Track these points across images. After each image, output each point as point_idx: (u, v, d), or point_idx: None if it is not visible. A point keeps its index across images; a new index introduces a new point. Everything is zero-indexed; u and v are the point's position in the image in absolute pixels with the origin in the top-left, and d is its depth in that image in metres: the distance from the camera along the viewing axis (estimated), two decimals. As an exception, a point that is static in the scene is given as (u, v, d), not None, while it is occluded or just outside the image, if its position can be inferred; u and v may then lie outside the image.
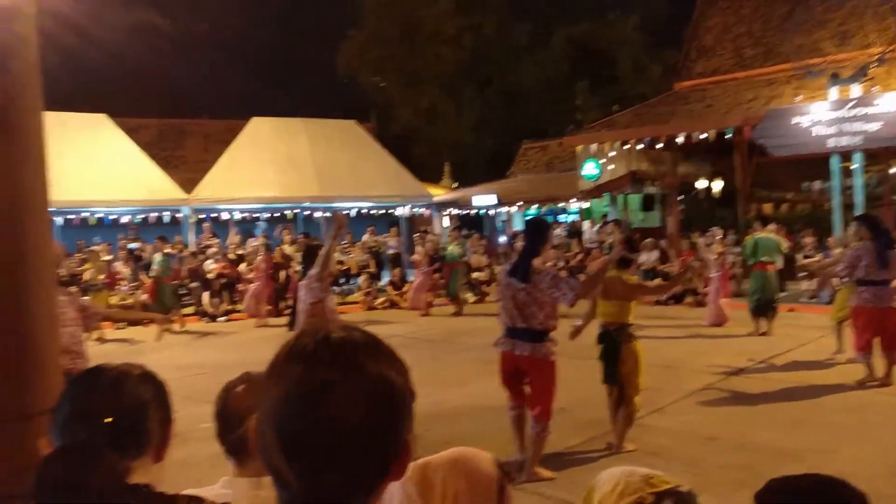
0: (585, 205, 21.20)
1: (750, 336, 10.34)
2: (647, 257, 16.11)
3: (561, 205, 22.55)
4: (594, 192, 19.62)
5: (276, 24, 34.06)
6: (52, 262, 1.90)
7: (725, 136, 15.75)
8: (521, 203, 22.50)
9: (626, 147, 17.99)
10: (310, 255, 8.23)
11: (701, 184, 19.77)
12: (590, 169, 19.78)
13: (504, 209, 23.30)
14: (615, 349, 5.48)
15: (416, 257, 14.80)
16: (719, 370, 8.16)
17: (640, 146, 17.53)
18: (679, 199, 18.72)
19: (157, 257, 13.66)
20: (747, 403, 6.80)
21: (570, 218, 23.65)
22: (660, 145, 17.09)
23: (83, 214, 17.75)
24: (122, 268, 15.44)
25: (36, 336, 1.73)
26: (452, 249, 14.95)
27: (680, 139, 16.30)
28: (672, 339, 10.52)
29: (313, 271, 7.29)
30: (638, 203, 21.00)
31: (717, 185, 19.23)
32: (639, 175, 19.37)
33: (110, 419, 1.28)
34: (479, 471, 1.26)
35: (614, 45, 30.55)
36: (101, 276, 14.64)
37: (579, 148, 19.72)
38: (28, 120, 1.79)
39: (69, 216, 17.57)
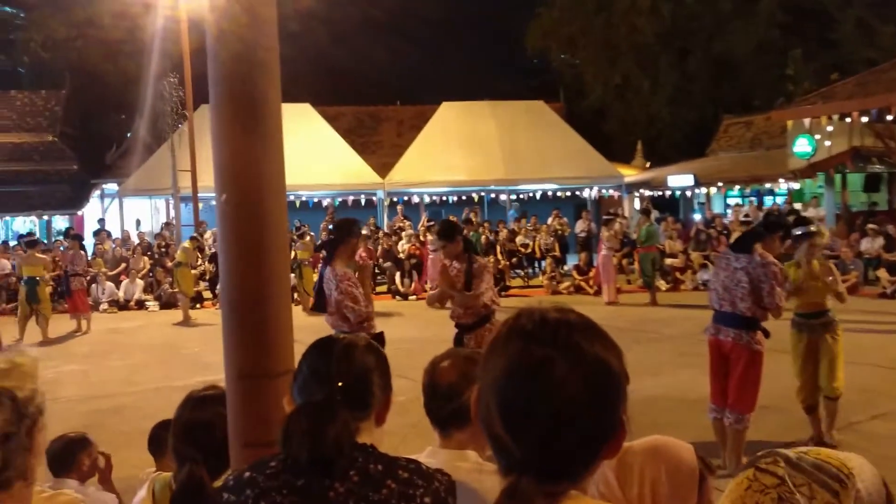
0: (796, 185, 19.22)
1: None
2: (870, 244, 14.36)
3: (767, 185, 20.64)
4: (807, 172, 17.74)
5: (464, 9, 34.59)
6: (287, 242, 2.11)
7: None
8: (722, 184, 20.93)
9: (846, 120, 16.04)
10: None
11: (944, 160, 17.08)
12: (802, 145, 17.92)
13: (702, 190, 21.81)
14: None
15: (601, 242, 14.15)
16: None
17: (865, 119, 15.52)
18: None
19: None
20: None
21: (779, 200, 21.60)
22: (890, 117, 14.97)
23: (290, 198, 19.27)
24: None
25: (275, 307, 1.97)
26: (644, 233, 14.16)
27: (919, 109, 14.15)
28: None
29: None
30: (860, 183, 18.67)
31: (966, 162, 16.49)
32: (862, 151, 17.20)
33: (342, 383, 1.41)
34: (679, 460, 1.27)
35: (834, 5, 27.23)
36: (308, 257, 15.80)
37: (790, 123, 17.89)
38: (270, 111, 1.96)
39: (279, 199, 19.17)
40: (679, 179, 21.46)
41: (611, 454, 0.96)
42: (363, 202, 20.46)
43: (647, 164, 25.13)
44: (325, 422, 1.29)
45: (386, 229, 18.37)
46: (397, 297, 15.37)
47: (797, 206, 19.12)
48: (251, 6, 1.92)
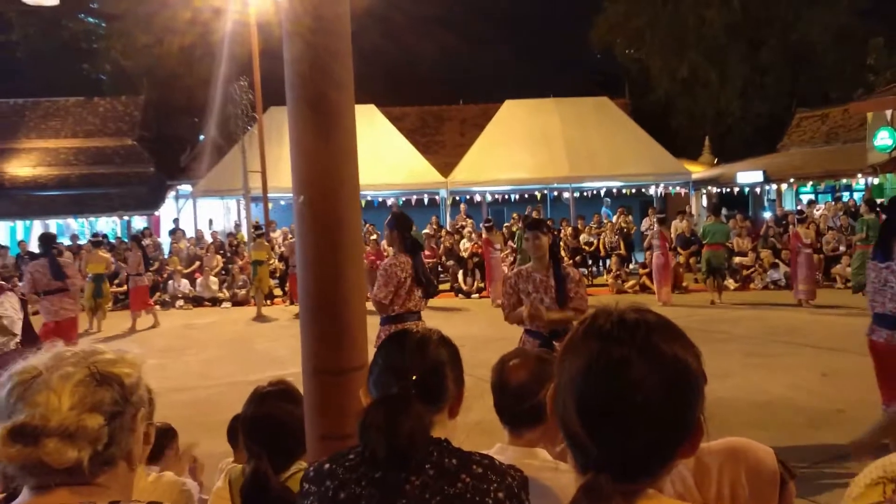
0: (875, 180, 18.37)
1: None
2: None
3: (844, 181, 19.80)
4: (888, 166, 16.94)
5: (528, 6, 34.33)
6: (360, 242, 2.16)
7: None
8: (793, 179, 20.19)
9: (934, 111, 15.20)
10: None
11: None
12: (883, 138, 17.13)
13: (772, 186, 21.09)
14: None
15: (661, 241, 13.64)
16: None
17: (954, 109, 14.69)
18: None
19: None
20: None
21: (856, 196, 20.69)
22: (982, 107, 14.15)
23: (355, 197, 19.59)
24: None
25: (349, 304, 2.02)
26: (707, 229, 13.74)
27: None
28: None
29: None
30: (948, 177, 17.70)
31: None
32: (950, 144, 16.31)
33: (416, 376, 1.43)
34: (759, 462, 1.25)
35: (920, -11, 25.81)
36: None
37: (870, 115, 17.10)
38: (343, 114, 2.04)
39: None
40: (748, 176, 20.83)
41: (688, 453, 0.96)
42: (426, 201, 20.64)
43: (715, 160, 24.44)
44: (400, 415, 1.31)
45: (448, 228, 18.49)
46: (460, 294, 15.47)
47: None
48: (323, 13, 1.97)
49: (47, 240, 9.62)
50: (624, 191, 21.43)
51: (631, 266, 16.85)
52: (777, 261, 15.16)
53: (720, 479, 1.23)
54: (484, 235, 16.45)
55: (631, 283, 15.38)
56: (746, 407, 6.14)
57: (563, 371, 0.97)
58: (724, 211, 17.05)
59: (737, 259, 15.39)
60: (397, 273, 4.82)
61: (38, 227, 21.33)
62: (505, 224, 18.07)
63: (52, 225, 21.42)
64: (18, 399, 1.15)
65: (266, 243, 14.86)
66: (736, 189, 21.59)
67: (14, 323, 4.77)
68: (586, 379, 0.93)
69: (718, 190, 21.79)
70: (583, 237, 17.63)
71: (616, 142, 20.18)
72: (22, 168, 21.69)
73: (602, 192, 21.58)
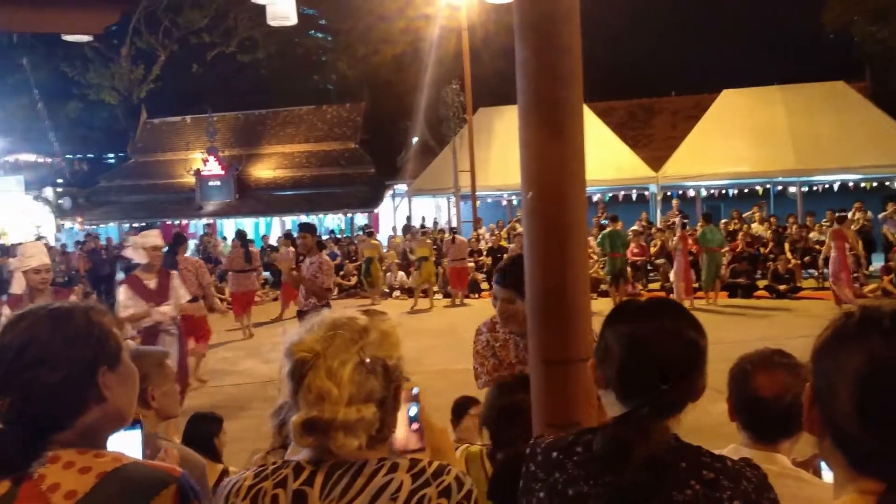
0: None
1: None
2: None
3: None
4: None
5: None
6: (585, 236, 2.19)
7: None
8: None
9: None
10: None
11: None
12: None
13: None
14: None
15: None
16: None
17: None
18: None
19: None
20: None
21: None
22: None
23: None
24: (593, 243, 16.58)
25: (575, 294, 2.05)
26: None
27: None
28: None
29: None
30: None
31: None
32: None
33: (665, 387, 1.31)
34: None
35: None
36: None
37: None
38: (572, 113, 2.08)
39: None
40: None
41: None
42: (634, 197, 20.06)
43: None
44: (639, 438, 1.27)
45: (659, 224, 17.82)
46: (671, 294, 14.81)
47: None
48: (555, 8, 1.99)
49: (243, 235, 12.90)
50: (863, 184, 19.18)
51: (871, 268, 15.05)
52: None
53: None
54: (678, 233, 15.59)
55: (871, 286, 13.73)
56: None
57: (832, 368, 0.91)
58: None
59: None
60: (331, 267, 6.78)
61: (276, 223, 24.00)
62: (723, 221, 17.00)
63: (288, 222, 23.97)
64: (300, 381, 1.26)
65: (428, 241, 16.07)
66: None
67: None
68: (870, 377, 0.87)
69: None
70: (813, 235, 16.08)
71: (852, 130, 18.06)
72: (264, 171, 24.54)
73: (835, 188, 19.51)
